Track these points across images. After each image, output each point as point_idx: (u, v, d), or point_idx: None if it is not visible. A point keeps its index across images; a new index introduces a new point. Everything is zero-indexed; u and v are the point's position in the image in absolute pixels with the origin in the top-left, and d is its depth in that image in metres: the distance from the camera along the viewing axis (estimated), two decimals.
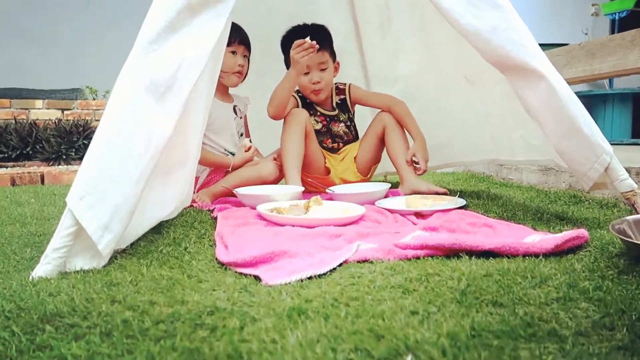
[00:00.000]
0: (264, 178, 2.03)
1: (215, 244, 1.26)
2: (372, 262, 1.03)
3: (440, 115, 2.27)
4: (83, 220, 1.02)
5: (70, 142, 4.00)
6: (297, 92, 2.22)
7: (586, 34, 5.26)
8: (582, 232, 1.10)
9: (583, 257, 1.01)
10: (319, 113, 2.24)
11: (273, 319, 0.73)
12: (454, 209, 1.57)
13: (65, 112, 4.46)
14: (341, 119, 2.26)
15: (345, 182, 2.17)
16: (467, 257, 1.05)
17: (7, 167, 3.76)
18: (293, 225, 1.41)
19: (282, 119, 2.07)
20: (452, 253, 1.08)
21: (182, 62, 1.21)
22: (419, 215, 1.58)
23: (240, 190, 1.85)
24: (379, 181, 2.36)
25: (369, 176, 2.26)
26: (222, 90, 2.16)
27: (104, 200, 1.05)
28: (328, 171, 2.21)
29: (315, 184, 2.18)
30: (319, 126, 2.23)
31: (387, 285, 0.87)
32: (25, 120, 4.21)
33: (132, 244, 1.22)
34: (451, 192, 1.90)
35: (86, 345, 0.66)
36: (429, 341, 0.63)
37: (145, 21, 1.21)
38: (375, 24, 2.44)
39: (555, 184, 2.18)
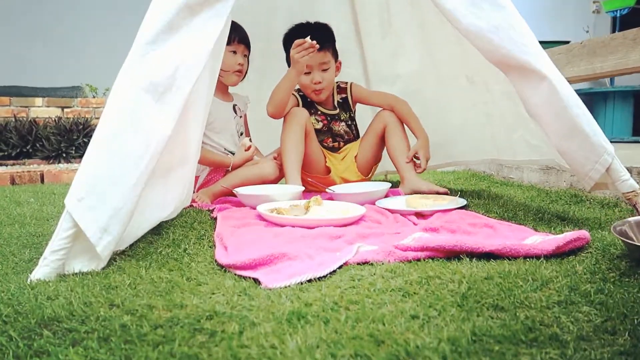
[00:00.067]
0: (264, 177, 2.02)
1: (214, 245, 1.25)
2: (372, 264, 1.03)
3: (441, 114, 2.27)
4: (82, 222, 1.01)
5: (70, 140, 4.00)
6: (298, 90, 2.21)
7: (587, 31, 5.25)
8: (584, 233, 1.09)
9: (584, 259, 1.01)
10: (319, 112, 2.23)
11: (272, 323, 0.72)
12: (455, 209, 1.57)
13: (65, 110, 4.46)
14: (342, 118, 2.26)
15: (346, 181, 2.16)
16: (467, 259, 1.04)
17: (7, 166, 3.76)
18: (293, 226, 1.41)
19: (282, 118, 2.06)
20: (452, 255, 1.07)
21: (181, 62, 1.20)
22: (420, 215, 1.57)
23: (240, 190, 1.84)
24: (380, 180, 2.35)
25: (369, 175, 2.25)
26: (222, 89, 2.16)
27: (103, 202, 1.05)
28: (328, 170, 2.20)
29: (316, 183, 2.17)
30: (319, 125, 2.22)
31: (388, 288, 0.86)
32: (25, 118, 4.20)
33: (131, 245, 1.21)
34: (452, 192, 1.90)
35: (84, 351, 0.66)
36: (430, 347, 0.63)
37: (144, 21, 1.19)
38: (375, 22, 2.43)
39: (556, 183, 2.17)
